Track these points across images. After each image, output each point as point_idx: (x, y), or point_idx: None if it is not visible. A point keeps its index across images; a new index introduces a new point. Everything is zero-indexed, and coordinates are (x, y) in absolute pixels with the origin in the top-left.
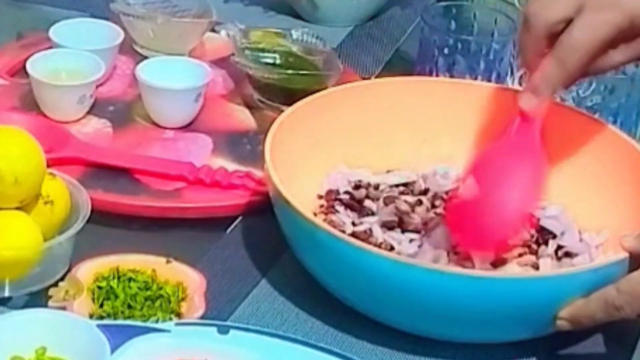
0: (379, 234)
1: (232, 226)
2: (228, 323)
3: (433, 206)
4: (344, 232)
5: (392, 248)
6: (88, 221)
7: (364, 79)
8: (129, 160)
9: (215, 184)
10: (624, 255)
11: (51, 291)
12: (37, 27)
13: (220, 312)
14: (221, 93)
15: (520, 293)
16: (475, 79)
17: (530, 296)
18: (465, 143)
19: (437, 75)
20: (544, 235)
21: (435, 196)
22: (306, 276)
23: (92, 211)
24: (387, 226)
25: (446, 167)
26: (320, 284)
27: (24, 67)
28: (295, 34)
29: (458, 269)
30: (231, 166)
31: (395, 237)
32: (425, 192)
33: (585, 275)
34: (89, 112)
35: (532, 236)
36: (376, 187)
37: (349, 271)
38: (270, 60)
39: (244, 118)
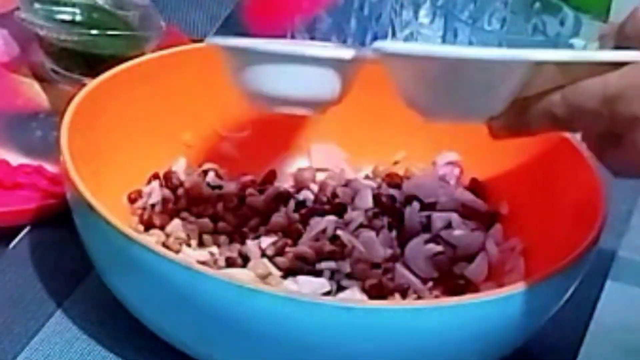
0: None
1: (16, 240)
2: None
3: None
4: (166, 248)
5: None
6: None
7: (194, 41)
8: None
9: None
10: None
11: None
12: None
13: (0, 355)
14: (1, 60)
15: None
16: (344, 41)
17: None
18: (332, 123)
19: (292, 37)
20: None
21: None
22: (117, 306)
23: None
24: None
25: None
26: (135, 315)
27: None
28: None
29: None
30: (15, 159)
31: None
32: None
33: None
34: None
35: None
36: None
37: (175, 301)
38: (68, 17)
39: (32, 94)
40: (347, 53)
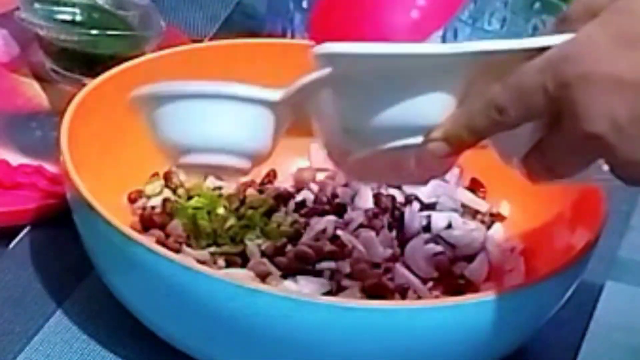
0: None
1: (17, 240)
2: None
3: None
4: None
5: None
6: None
7: (194, 41)
8: None
9: None
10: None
11: None
12: None
13: (0, 355)
14: (1, 60)
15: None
16: None
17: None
18: None
19: (292, 37)
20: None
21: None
22: (116, 306)
23: None
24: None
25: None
26: (135, 315)
27: None
28: None
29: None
30: (15, 159)
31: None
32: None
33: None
34: None
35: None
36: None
37: (175, 301)
38: (68, 17)
39: (32, 94)
40: (273, 95)
